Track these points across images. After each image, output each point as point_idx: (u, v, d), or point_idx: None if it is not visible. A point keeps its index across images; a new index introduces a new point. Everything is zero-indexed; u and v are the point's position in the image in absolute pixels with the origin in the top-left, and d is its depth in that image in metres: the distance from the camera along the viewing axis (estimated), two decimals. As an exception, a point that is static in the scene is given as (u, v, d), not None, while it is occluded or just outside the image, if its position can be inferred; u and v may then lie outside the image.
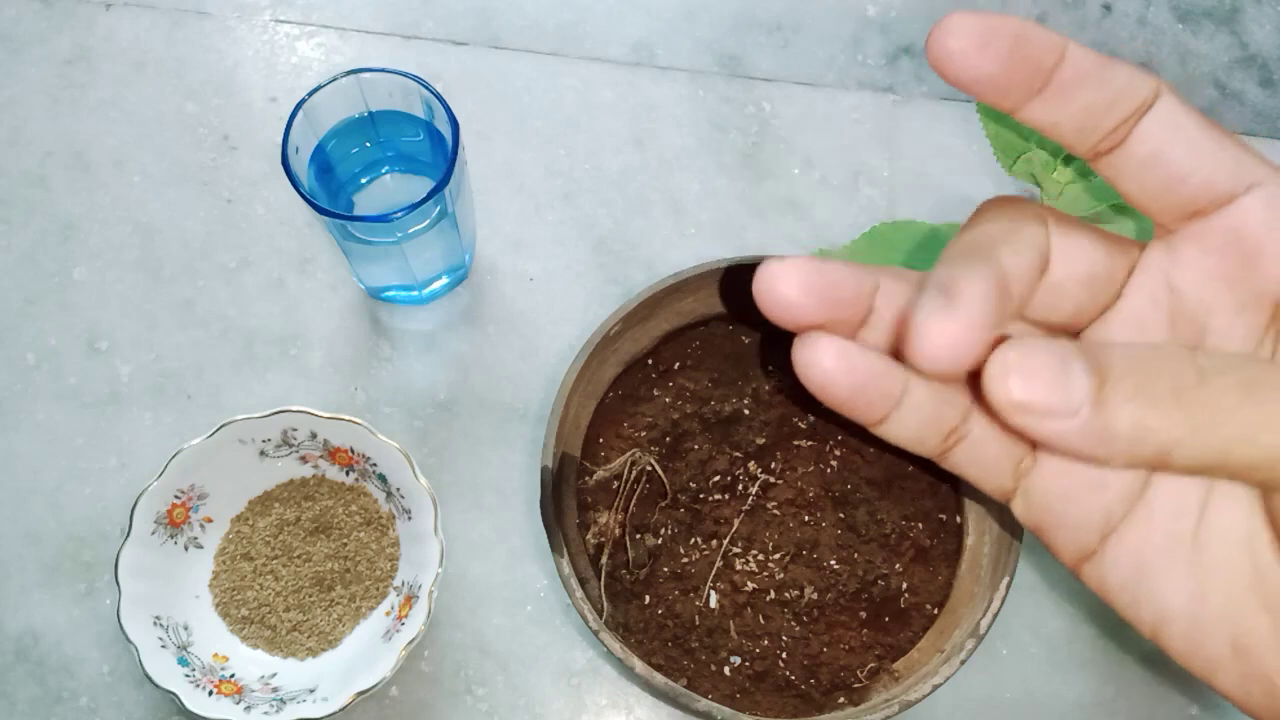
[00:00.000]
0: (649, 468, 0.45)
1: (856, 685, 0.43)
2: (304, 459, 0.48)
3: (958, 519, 0.46)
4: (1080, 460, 0.20)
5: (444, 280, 0.52)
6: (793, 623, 0.44)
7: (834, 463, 0.47)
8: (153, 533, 0.45)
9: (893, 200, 0.56)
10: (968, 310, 0.19)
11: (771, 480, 0.46)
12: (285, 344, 0.52)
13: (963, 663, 0.41)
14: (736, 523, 0.45)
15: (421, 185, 0.45)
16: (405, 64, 0.57)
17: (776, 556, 0.45)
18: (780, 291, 0.22)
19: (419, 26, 0.58)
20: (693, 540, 0.45)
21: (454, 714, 0.47)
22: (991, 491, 0.25)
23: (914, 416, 0.23)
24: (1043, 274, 0.23)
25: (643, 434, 0.46)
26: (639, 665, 0.41)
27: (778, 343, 0.49)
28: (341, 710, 0.43)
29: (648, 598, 0.44)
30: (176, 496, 0.46)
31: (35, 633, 0.47)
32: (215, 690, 0.44)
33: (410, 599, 0.45)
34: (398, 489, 0.47)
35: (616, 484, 0.45)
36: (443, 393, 0.51)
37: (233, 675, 0.45)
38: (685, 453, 0.46)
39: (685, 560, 0.45)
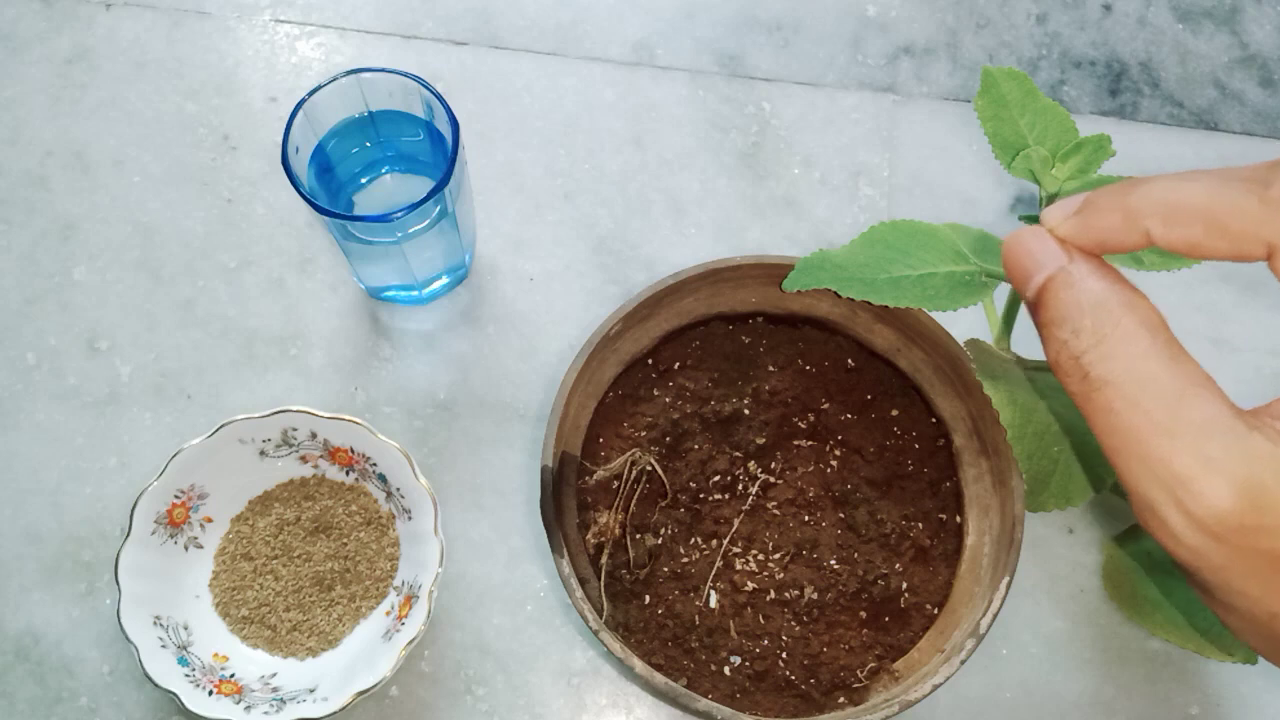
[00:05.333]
0: (649, 468, 0.45)
1: (856, 685, 0.43)
2: (304, 459, 0.48)
3: (958, 519, 0.46)
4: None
5: (444, 280, 0.52)
6: (793, 623, 0.44)
7: (834, 463, 0.47)
8: (153, 533, 0.45)
9: (893, 200, 0.56)
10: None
11: (771, 480, 0.46)
12: (285, 344, 0.52)
13: (963, 663, 0.41)
14: (736, 523, 0.45)
15: (421, 185, 0.45)
16: (405, 64, 0.57)
17: (776, 556, 0.45)
18: None
19: (419, 26, 0.58)
20: (693, 540, 0.45)
21: (454, 714, 0.47)
22: None
23: None
24: None
25: (643, 434, 0.46)
26: (639, 665, 0.41)
27: (778, 342, 0.49)
28: (341, 710, 0.43)
29: (648, 598, 0.44)
30: (176, 496, 0.46)
31: (35, 633, 0.47)
32: (215, 690, 0.44)
33: (410, 599, 0.45)
34: (398, 489, 0.47)
35: (616, 484, 0.45)
36: (443, 393, 0.51)
37: (233, 675, 0.45)
38: (685, 453, 0.46)
39: (685, 560, 0.45)
